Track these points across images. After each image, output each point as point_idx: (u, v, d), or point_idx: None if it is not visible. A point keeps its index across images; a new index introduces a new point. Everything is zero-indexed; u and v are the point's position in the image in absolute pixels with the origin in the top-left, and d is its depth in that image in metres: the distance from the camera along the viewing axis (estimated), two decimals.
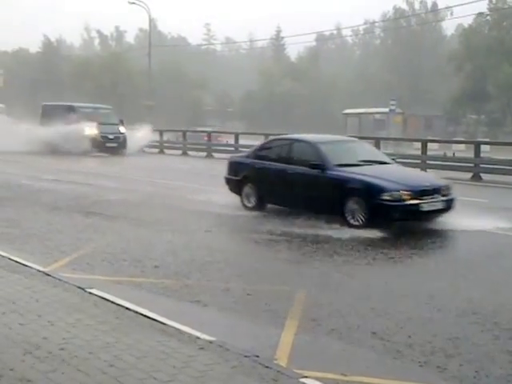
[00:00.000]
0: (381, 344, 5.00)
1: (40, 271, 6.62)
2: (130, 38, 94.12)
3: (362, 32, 79.49)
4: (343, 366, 4.57)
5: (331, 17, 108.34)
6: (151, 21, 54.45)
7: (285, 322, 5.41)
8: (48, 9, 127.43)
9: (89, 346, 4.56)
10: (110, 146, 27.05)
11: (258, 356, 4.43)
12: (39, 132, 26.80)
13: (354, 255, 8.12)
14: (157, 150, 30.16)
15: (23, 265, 6.85)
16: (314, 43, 77.51)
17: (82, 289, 5.96)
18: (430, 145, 22.20)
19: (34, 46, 75.26)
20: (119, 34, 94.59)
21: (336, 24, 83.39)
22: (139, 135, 28.63)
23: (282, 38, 78.24)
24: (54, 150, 25.31)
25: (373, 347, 4.95)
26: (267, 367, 4.26)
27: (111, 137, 27.38)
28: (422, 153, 20.86)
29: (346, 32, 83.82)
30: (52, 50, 72.64)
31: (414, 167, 20.44)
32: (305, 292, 6.30)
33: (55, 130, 25.89)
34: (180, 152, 29.60)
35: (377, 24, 75.24)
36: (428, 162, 20.24)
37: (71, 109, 28.23)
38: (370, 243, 8.79)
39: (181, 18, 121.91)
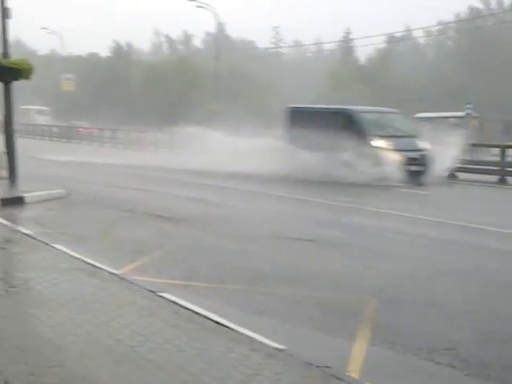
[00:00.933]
0: (456, 361, 4.78)
1: (113, 274, 6.74)
2: (197, 41, 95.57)
3: (435, 33, 77.42)
4: (414, 382, 4.41)
5: (402, 17, 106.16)
6: (218, 24, 55.08)
7: (356, 334, 5.27)
8: (118, 13, 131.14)
9: (160, 350, 4.59)
10: (414, 170, 17.90)
11: (329, 367, 4.32)
12: (288, 148, 19.41)
13: None
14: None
15: (96, 267, 6.98)
16: (385, 45, 76.11)
17: (154, 292, 6.02)
18: (509, 151, 21.12)
19: (105, 51, 77.28)
20: (187, 38, 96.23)
21: (407, 25, 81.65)
22: (447, 153, 18.70)
23: (351, 40, 77.33)
24: (320, 176, 17.14)
25: (446, 363, 4.73)
26: (339, 379, 4.16)
27: (414, 156, 18.14)
28: (501, 159, 20.06)
29: (418, 33, 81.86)
30: (122, 55, 74.29)
31: (492, 174, 19.71)
32: (376, 303, 6.13)
33: (325, 147, 17.81)
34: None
35: (450, 24, 73.07)
36: (507, 168, 19.47)
37: (348, 115, 19.40)
38: None
39: (248, 21, 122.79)
